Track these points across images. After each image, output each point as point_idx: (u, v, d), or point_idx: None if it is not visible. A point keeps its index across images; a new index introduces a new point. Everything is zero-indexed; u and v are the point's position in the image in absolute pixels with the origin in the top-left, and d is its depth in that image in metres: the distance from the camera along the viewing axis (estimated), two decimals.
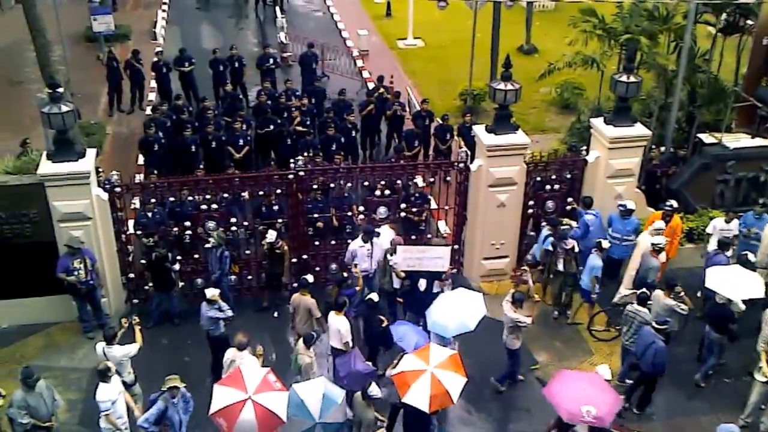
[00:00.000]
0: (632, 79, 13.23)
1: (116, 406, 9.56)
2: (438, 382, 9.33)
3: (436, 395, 9.29)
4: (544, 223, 13.11)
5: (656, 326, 10.61)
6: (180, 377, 9.52)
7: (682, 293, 11.40)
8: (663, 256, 12.37)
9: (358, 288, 11.93)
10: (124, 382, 10.09)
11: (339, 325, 10.81)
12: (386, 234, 12.62)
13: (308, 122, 16.80)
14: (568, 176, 13.75)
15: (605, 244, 12.30)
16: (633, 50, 14.87)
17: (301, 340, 10.68)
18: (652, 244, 12.17)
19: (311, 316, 11.27)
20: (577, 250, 12.53)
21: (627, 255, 13.11)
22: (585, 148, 14.02)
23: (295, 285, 13.27)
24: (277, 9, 25.81)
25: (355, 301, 11.90)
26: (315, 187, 13.27)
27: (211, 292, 10.93)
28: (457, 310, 10.83)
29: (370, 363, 10.69)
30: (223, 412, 8.97)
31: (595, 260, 12.21)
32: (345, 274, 12.34)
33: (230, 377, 9.36)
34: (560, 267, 12.62)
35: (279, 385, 9.34)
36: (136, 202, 14.08)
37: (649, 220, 13.32)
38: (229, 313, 11.04)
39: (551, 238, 12.53)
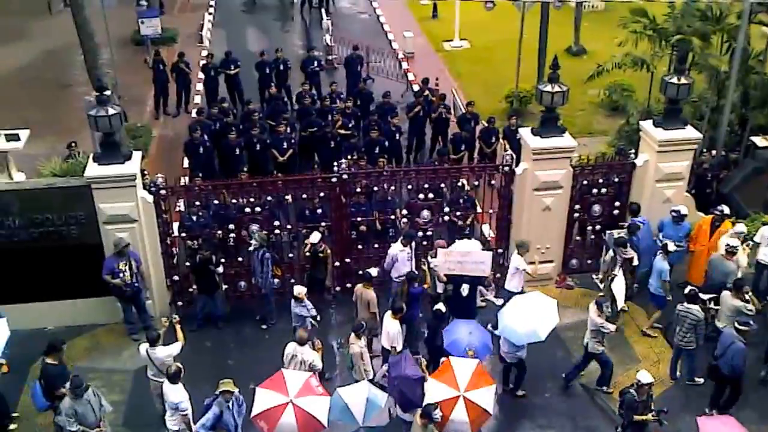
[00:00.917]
0: (683, 80, 12.86)
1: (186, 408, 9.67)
2: (473, 405, 9.19)
3: (474, 420, 9.24)
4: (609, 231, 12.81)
5: (738, 327, 10.45)
6: (233, 381, 9.53)
7: (749, 293, 11.25)
8: (744, 260, 12.08)
9: (426, 286, 11.91)
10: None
11: (390, 327, 10.85)
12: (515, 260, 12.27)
13: (352, 125, 16.74)
14: (616, 180, 13.42)
15: (671, 247, 12.00)
16: (684, 51, 14.51)
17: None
18: (726, 246, 11.83)
19: (368, 310, 11.40)
20: (636, 263, 12.25)
21: (680, 260, 12.79)
22: (633, 151, 13.69)
23: (338, 289, 13.34)
24: (323, 11, 25.88)
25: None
26: (358, 190, 13.19)
27: (298, 290, 11.14)
28: (529, 317, 10.58)
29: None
30: (264, 415, 8.96)
31: (662, 263, 11.97)
32: (416, 271, 12.15)
33: (272, 380, 9.34)
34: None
35: (321, 390, 9.30)
36: (181, 205, 14.21)
37: (698, 225, 12.96)
38: (313, 312, 11.16)
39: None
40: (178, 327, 10.53)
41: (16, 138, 13.75)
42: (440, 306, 11.05)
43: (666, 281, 11.96)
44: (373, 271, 11.82)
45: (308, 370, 10.10)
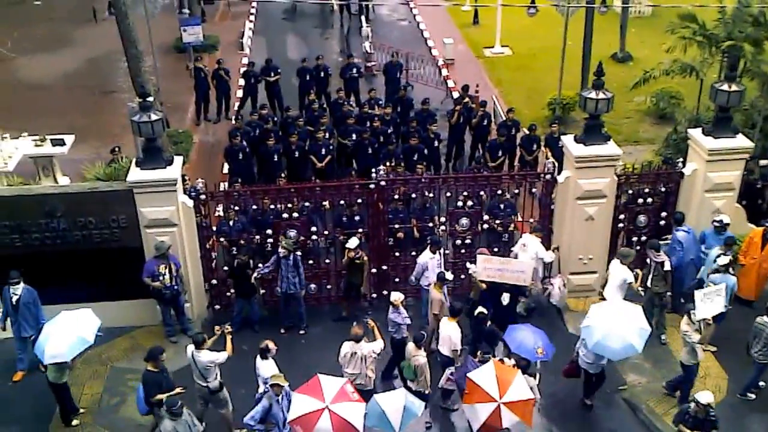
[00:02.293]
0: (734, 88, 12.48)
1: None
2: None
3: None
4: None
5: None
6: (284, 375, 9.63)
7: None
8: None
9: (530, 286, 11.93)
10: (208, 388, 10.21)
11: (450, 331, 10.71)
12: (532, 243, 12.27)
13: (391, 132, 16.65)
14: (663, 190, 13.08)
15: (723, 260, 11.55)
16: (735, 58, 14.17)
17: (411, 342, 10.58)
18: None
19: (431, 310, 11.47)
20: (668, 267, 11.86)
21: None
22: (681, 160, 13.31)
23: (374, 295, 13.23)
24: (363, 18, 25.89)
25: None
26: (396, 197, 13.08)
27: (395, 296, 11.08)
28: (621, 329, 10.06)
29: None
30: (300, 420, 8.90)
31: (727, 278, 11.48)
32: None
33: (308, 386, 9.29)
34: (648, 282, 12.01)
35: (356, 396, 9.21)
36: (220, 210, 14.27)
37: (749, 237, 12.56)
38: (408, 320, 11.10)
39: (723, 256, 11.74)
40: (228, 338, 10.52)
41: (62, 143, 14.00)
42: (483, 309, 10.91)
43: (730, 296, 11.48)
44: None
45: (369, 360, 10.25)
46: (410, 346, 10.53)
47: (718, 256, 11.72)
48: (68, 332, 10.22)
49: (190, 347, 10.28)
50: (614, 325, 10.08)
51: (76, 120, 18.15)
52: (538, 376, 10.45)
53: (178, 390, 9.90)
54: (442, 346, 10.89)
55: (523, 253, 12.28)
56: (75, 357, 10.44)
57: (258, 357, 10.21)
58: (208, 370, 10.16)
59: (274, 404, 9.46)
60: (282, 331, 12.47)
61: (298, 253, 12.38)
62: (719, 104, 12.75)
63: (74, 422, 10.81)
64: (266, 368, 10.06)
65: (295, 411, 8.98)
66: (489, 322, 11.21)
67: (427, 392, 10.47)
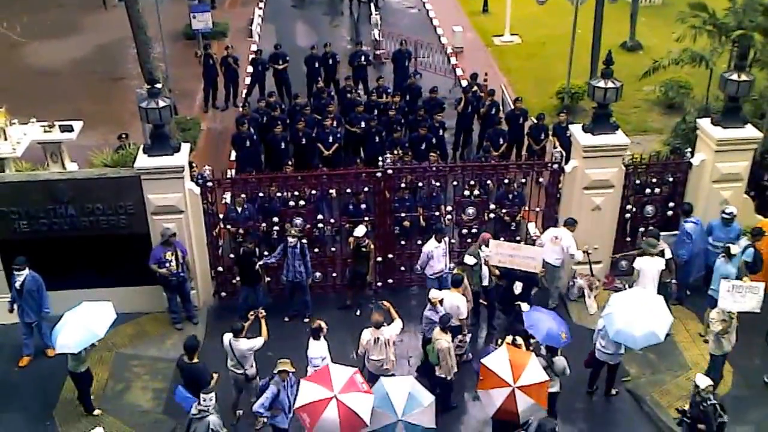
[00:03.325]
0: (744, 77, 12.37)
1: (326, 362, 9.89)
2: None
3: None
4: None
5: None
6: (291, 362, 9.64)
7: None
8: None
9: (540, 273, 11.88)
10: (245, 375, 10.30)
11: (456, 301, 10.94)
12: (566, 237, 12.23)
13: (401, 120, 16.58)
14: (671, 180, 13.02)
15: (734, 249, 11.52)
16: (746, 47, 14.03)
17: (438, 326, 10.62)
18: None
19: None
20: (668, 255, 11.85)
21: None
22: (690, 150, 13.21)
23: (379, 284, 13.24)
24: (372, 6, 25.74)
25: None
26: (403, 185, 13.06)
27: (434, 294, 11.02)
28: (643, 318, 10.07)
29: None
30: (307, 408, 8.90)
31: (724, 267, 11.46)
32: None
33: (318, 374, 9.31)
34: None
35: (365, 387, 9.20)
36: (227, 197, 14.31)
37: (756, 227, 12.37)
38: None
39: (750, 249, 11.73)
40: (263, 322, 10.55)
41: (70, 129, 14.08)
42: (523, 306, 10.74)
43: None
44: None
45: (392, 344, 10.42)
46: (436, 329, 10.56)
47: (746, 248, 11.63)
48: (81, 324, 10.25)
49: (227, 336, 10.28)
50: (636, 314, 10.11)
51: (84, 106, 18.20)
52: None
53: (215, 379, 9.95)
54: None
55: (553, 246, 12.18)
56: (85, 348, 10.39)
57: (311, 338, 10.25)
58: (246, 357, 10.24)
59: (281, 390, 9.50)
60: (286, 319, 12.50)
61: (304, 241, 12.40)
62: (728, 94, 12.64)
63: (95, 412, 10.84)
64: (317, 349, 10.12)
65: (302, 398, 8.99)
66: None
67: (449, 378, 10.50)
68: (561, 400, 10.46)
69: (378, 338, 10.40)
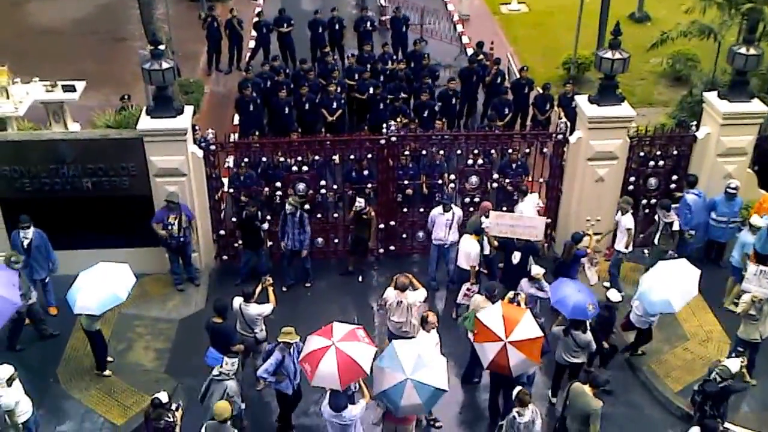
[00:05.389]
0: (752, 51, 12.29)
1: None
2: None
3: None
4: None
5: None
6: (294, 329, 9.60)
7: None
8: None
9: (589, 250, 11.79)
10: (256, 338, 10.38)
11: (471, 248, 11.52)
12: (529, 200, 12.47)
13: (405, 87, 16.44)
14: (675, 153, 12.98)
15: (758, 221, 11.56)
16: (755, 20, 13.94)
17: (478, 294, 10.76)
18: None
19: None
20: (676, 227, 11.91)
21: (733, 237, 12.38)
22: (695, 123, 13.15)
23: (381, 251, 13.28)
24: None
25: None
26: (407, 153, 13.02)
27: (536, 270, 11.02)
28: (666, 285, 10.34)
29: None
30: (307, 357, 8.96)
31: (746, 236, 11.68)
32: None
33: (322, 329, 9.33)
34: (656, 240, 12.13)
35: (367, 341, 9.22)
36: (230, 161, 14.28)
37: (759, 202, 12.51)
38: (549, 294, 10.95)
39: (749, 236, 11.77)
40: (270, 289, 10.56)
41: (72, 89, 14.02)
42: (612, 295, 10.59)
43: (747, 254, 11.54)
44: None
45: (414, 309, 10.46)
46: (478, 297, 10.64)
47: None
48: (102, 286, 10.12)
49: (238, 300, 10.32)
50: (663, 281, 10.41)
51: (87, 66, 18.05)
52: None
53: (240, 348, 10.01)
54: (461, 260, 11.59)
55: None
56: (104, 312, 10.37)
57: (420, 329, 10.02)
58: (255, 322, 10.30)
59: (286, 356, 9.53)
60: (284, 289, 12.41)
61: (306, 206, 12.38)
62: (736, 68, 12.54)
63: (106, 372, 10.87)
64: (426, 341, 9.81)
65: (305, 350, 9.07)
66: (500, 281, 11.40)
67: None
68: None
69: (401, 301, 10.48)
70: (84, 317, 10.42)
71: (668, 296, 10.27)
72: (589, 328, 10.23)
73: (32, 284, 11.56)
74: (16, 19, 21.55)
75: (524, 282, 11.13)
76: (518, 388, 9.16)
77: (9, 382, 9.06)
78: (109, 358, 10.99)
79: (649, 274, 10.74)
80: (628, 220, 12.01)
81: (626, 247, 12.13)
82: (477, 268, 11.53)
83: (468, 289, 11.57)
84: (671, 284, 10.37)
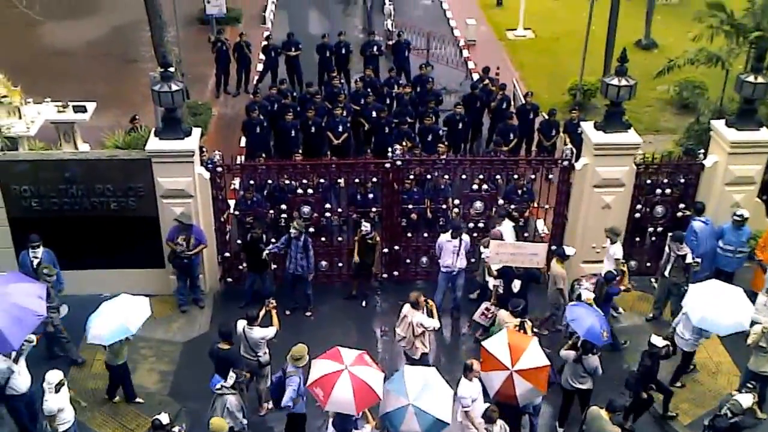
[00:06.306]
0: (760, 79, 12.31)
1: (476, 405, 9.43)
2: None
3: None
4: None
5: None
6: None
7: None
8: None
9: (623, 286, 11.69)
10: (259, 362, 10.34)
11: (558, 271, 11.72)
12: (507, 225, 12.39)
13: (411, 111, 16.54)
14: (682, 181, 12.94)
15: None
16: (763, 49, 13.99)
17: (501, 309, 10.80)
18: None
19: (555, 286, 11.72)
20: (689, 260, 11.79)
21: (740, 267, 12.34)
22: (702, 151, 13.13)
23: (385, 275, 13.25)
24: None
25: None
26: (411, 177, 13.04)
27: (586, 295, 11.02)
28: (728, 306, 10.21)
29: None
30: (319, 382, 8.90)
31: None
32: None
33: (328, 353, 9.32)
34: (666, 272, 12.00)
35: (375, 366, 9.23)
36: (236, 183, 14.33)
37: (767, 232, 12.40)
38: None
39: None
40: (273, 313, 10.54)
41: (83, 110, 14.15)
42: (655, 340, 10.26)
43: None
44: (569, 250, 11.95)
45: (418, 330, 10.42)
46: (503, 312, 10.61)
47: None
48: (115, 317, 10.08)
49: (242, 323, 10.29)
50: (720, 302, 10.23)
51: (98, 87, 18.20)
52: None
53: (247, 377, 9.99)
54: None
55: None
56: (120, 341, 10.25)
57: (462, 377, 9.66)
58: (259, 345, 10.28)
59: (300, 378, 9.50)
60: (287, 312, 12.33)
61: (311, 229, 12.37)
62: (744, 96, 12.57)
63: (116, 399, 10.88)
64: (467, 389, 9.49)
65: (314, 375, 8.99)
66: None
67: None
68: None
69: (407, 316, 10.49)
70: (107, 350, 10.35)
71: (738, 318, 10.09)
72: (630, 375, 10.26)
73: None
74: (30, 40, 21.77)
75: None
76: (488, 405, 9.15)
77: (57, 387, 9.16)
78: (117, 398, 10.92)
79: (698, 301, 10.38)
80: (616, 249, 11.84)
81: None
82: (499, 288, 11.44)
83: (487, 309, 11.56)
84: (730, 304, 10.21)
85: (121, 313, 10.15)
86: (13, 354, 9.54)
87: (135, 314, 10.22)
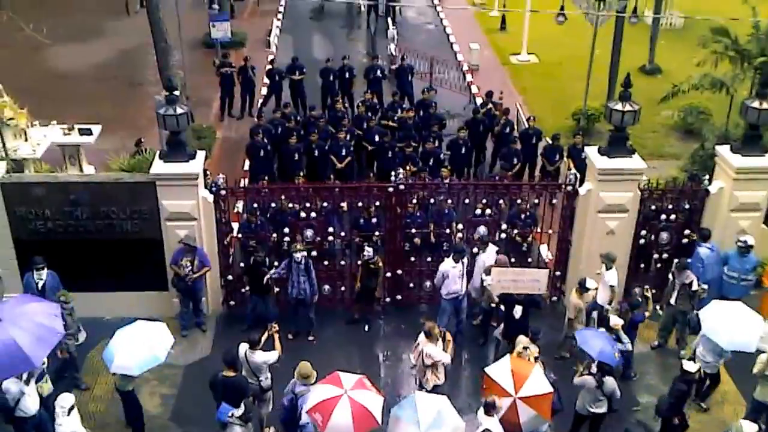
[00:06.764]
0: (765, 105, 12.25)
1: None
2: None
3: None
4: None
5: None
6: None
7: None
8: None
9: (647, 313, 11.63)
10: (261, 386, 10.26)
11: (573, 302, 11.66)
12: (491, 252, 12.30)
13: (415, 135, 16.58)
14: (687, 207, 12.88)
15: None
16: None
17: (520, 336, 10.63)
18: None
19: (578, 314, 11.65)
20: (695, 288, 11.70)
21: (746, 295, 12.17)
22: (707, 177, 13.10)
23: (387, 300, 13.17)
24: (389, 20, 25.88)
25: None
26: (414, 201, 13.02)
27: (614, 321, 10.96)
28: (743, 325, 10.31)
29: None
30: (318, 407, 8.83)
31: None
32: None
33: (327, 378, 9.26)
34: (672, 300, 11.92)
35: (374, 390, 9.16)
36: (239, 206, 14.32)
37: None
38: (629, 346, 11.01)
39: None
40: (276, 336, 10.46)
41: (89, 132, 14.23)
42: (688, 366, 10.12)
43: None
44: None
45: (428, 361, 10.28)
46: (523, 338, 10.52)
47: None
48: (141, 346, 9.83)
49: (243, 346, 10.18)
50: (735, 320, 10.32)
51: (103, 110, 18.32)
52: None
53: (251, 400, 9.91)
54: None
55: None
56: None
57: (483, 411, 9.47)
58: (261, 369, 10.20)
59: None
60: (290, 336, 12.29)
61: (313, 253, 12.32)
62: (749, 121, 12.55)
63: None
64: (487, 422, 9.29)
65: (313, 399, 8.93)
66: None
67: None
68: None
69: (419, 344, 10.44)
70: (118, 377, 10.21)
71: (745, 338, 10.13)
72: (661, 401, 10.19)
73: None
74: (36, 63, 21.99)
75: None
76: None
77: (69, 411, 9.19)
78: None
79: (718, 322, 10.41)
80: (611, 276, 11.73)
81: (609, 303, 11.83)
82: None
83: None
84: (744, 322, 10.27)
85: (145, 342, 9.92)
86: (25, 375, 9.50)
87: (159, 341, 10.04)
